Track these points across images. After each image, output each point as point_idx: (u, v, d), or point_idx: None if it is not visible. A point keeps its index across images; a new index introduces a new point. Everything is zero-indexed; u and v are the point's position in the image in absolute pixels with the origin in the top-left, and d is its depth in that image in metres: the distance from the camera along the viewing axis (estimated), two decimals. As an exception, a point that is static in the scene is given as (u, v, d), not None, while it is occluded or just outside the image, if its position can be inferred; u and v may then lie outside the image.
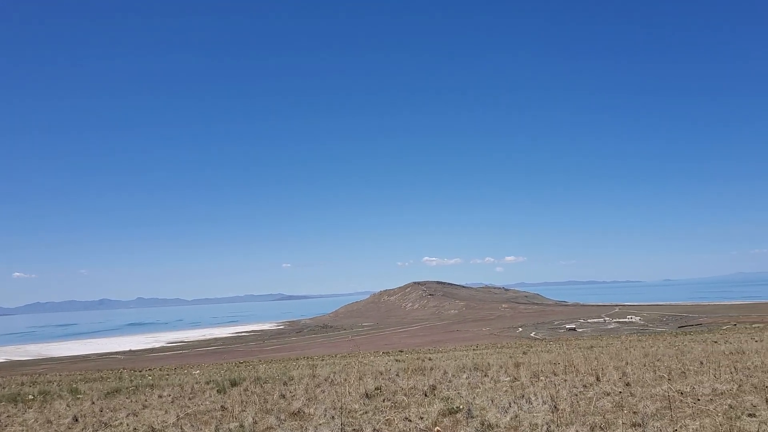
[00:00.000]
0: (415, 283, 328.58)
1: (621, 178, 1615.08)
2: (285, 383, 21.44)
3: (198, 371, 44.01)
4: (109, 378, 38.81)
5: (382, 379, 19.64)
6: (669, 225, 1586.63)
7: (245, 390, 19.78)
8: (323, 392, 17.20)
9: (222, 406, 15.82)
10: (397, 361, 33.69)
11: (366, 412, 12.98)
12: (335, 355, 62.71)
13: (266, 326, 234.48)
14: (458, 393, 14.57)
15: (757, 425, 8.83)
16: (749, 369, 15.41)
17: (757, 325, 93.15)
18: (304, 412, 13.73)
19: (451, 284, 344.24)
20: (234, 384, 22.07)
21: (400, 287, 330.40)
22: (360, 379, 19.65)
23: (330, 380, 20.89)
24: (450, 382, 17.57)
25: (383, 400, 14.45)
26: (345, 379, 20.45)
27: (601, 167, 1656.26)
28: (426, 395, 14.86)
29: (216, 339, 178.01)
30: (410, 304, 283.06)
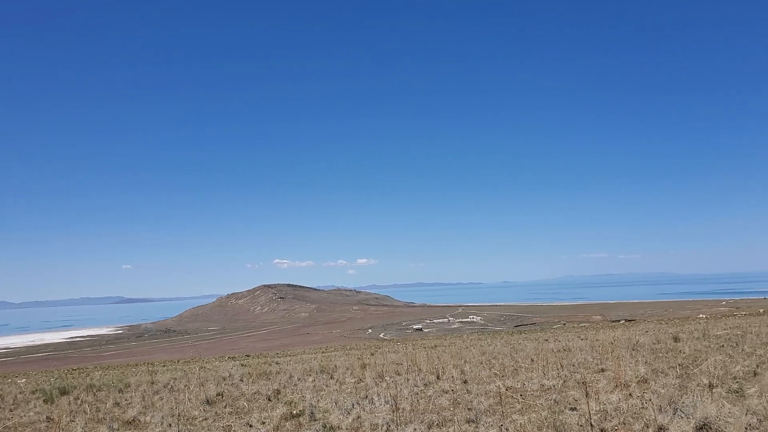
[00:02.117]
0: (265, 285, 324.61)
1: (461, 184, 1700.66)
2: (121, 390, 20.30)
3: (24, 380, 40.48)
4: None
5: (225, 384, 19.12)
6: (507, 230, 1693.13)
7: (76, 399, 18.45)
8: (162, 399, 16.43)
9: (48, 417, 14.63)
10: (242, 365, 32.97)
11: (206, 419, 12.55)
12: (178, 361, 60.25)
13: (104, 331, 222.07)
14: (303, 396, 14.48)
15: (577, 418, 9.51)
16: (574, 365, 16.63)
17: (583, 324, 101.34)
18: (139, 421, 13.05)
19: (303, 287, 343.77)
20: (64, 392, 20.53)
21: (249, 290, 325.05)
22: (202, 385, 18.98)
23: (170, 387, 20.03)
24: (295, 385, 17.44)
25: (225, 406, 14.07)
26: (186, 386, 19.70)
27: (445, 173, 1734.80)
28: (270, 400, 14.63)
29: (47, 345, 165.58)
30: (260, 308, 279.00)
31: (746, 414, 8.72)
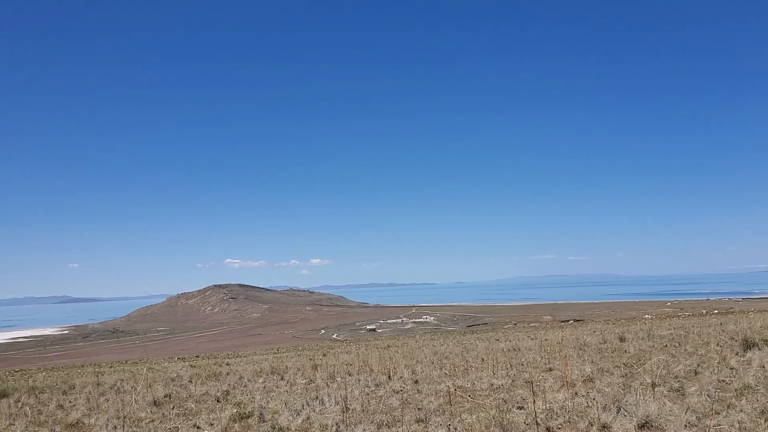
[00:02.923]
0: (216, 285, 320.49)
1: (413, 185, 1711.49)
2: (65, 392, 19.73)
3: (-39, 384, 39.04)
4: None
5: (174, 385, 18.80)
6: (461, 232, 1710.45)
7: (17, 401, 17.84)
8: (107, 401, 16.04)
9: (-15, 422, 14.13)
10: (192, 366, 32.46)
11: (153, 421, 12.31)
12: (126, 362, 58.94)
13: (48, 331, 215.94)
14: (252, 398, 14.33)
15: (524, 416, 9.66)
16: (522, 365, 16.88)
17: (533, 324, 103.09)
18: (83, 423, 12.71)
19: (255, 287, 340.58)
20: (3, 395, 19.83)
21: (199, 290, 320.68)
22: (149, 386, 18.63)
23: (116, 388, 19.60)
24: (245, 386, 17.27)
25: (172, 408, 13.82)
26: (133, 387, 19.30)
27: (396, 174, 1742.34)
28: (219, 401, 14.45)
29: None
30: (210, 308, 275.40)
31: (686, 412, 8.99)
